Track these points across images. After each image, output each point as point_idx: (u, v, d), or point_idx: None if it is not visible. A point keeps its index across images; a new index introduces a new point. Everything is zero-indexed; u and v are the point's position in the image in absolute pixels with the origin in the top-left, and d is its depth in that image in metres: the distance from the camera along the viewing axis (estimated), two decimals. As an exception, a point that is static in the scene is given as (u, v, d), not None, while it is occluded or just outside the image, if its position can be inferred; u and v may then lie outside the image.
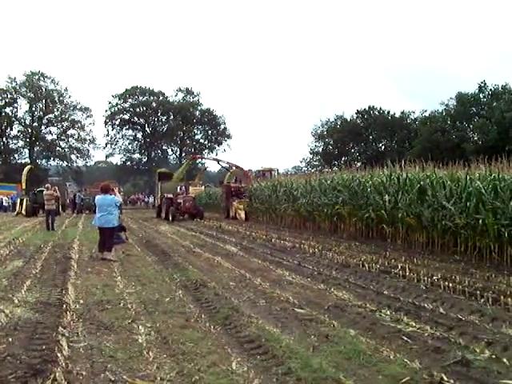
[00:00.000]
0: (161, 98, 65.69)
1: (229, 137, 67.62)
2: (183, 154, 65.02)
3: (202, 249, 10.99)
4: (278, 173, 35.26)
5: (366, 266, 8.22)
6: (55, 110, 59.23)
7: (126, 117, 65.28)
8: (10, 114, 56.71)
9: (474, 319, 4.85)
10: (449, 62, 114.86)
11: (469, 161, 11.53)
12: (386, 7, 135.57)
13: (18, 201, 29.12)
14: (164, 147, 68.88)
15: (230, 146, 67.38)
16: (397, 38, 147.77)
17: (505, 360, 3.67)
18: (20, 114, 57.82)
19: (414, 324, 4.67)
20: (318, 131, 60.72)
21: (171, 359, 3.75)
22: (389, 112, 56.39)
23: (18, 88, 56.10)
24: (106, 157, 67.65)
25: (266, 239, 13.19)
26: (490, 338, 4.23)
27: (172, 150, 69.38)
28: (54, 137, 60.69)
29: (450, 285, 6.41)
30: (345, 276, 7.44)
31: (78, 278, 7.25)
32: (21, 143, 58.85)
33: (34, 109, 58.22)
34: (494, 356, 3.76)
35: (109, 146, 64.43)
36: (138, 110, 64.89)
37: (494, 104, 40.02)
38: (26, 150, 58.33)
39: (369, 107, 57.13)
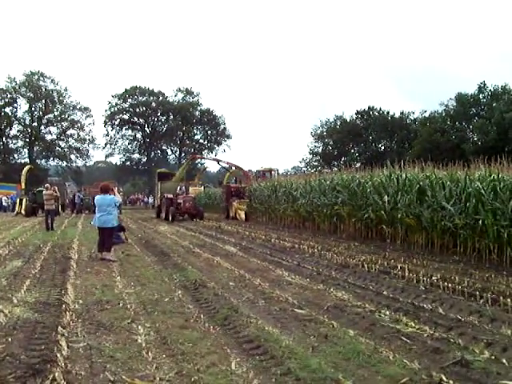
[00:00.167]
0: (160, 98, 65.74)
1: (228, 137, 67.80)
2: (183, 154, 65.07)
3: (202, 249, 10.98)
4: (278, 173, 35.27)
5: (366, 266, 8.22)
6: (55, 109, 59.28)
7: (126, 117, 65.36)
8: (10, 113, 56.79)
9: (473, 320, 4.85)
10: (449, 61, 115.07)
11: (468, 161, 11.54)
12: (386, 7, 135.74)
13: (18, 201, 29.12)
14: (163, 147, 69.01)
15: (229, 147, 67.64)
16: (397, 37, 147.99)
17: (504, 361, 3.67)
18: (20, 113, 58.05)
19: (413, 324, 4.67)
20: (318, 131, 60.78)
21: (170, 359, 3.75)
22: (388, 112, 56.50)
23: (17, 88, 56.16)
24: (106, 157, 67.83)
25: (265, 239, 13.19)
26: (489, 338, 4.23)
27: (171, 150, 69.57)
28: (54, 137, 60.85)
29: (450, 285, 6.41)
30: (344, 276, 7.44)
31: (77, 277, 7.25)
32: (20, 143, 59.03)
33: (33, 109, 58.32)
34: (493, 357, 3.76)
35: (108, 146, 64.62)
36: (137, 110, 64.94)
37: (494, 104, 40.08)
38: (26, 150, 58.41)
39: (368, 108, 57.21)
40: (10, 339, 4.16)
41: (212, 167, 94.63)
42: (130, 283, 6.89)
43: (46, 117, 59.28)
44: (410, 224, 11.29)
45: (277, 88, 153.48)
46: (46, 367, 3.49)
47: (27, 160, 54.70)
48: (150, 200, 48.35)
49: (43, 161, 60.91)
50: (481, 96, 43.20)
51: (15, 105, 57.18)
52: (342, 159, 56.56)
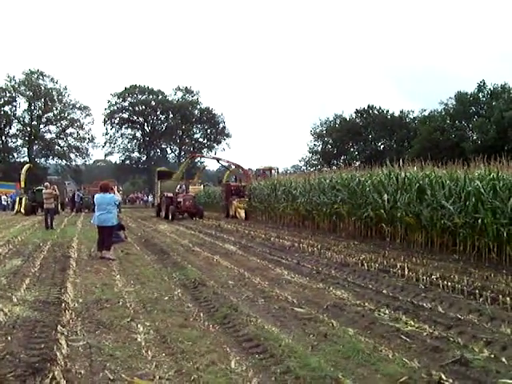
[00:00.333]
0: (160, 96, 65.60)
1: (228, 136, 67.69)
2: (182, 153, 65.03)
3: (201, 248, 10.98)
4: (278, 172, 35.27)
5: (365, 265, 8.22)
6: (54, 108, 59.15)
7: (125, 115, 65.26)
8: (9, 112, 56.64)
9: (472, 318, 4.86)
10: (449, 61, 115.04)
11: (468, 160, 11.54)
12: (386, 7, 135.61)
13: (17, 199, 29.08)
14: (163, 146, 68.91)
15: (229, 145, 67.50)
16: (397, 37, 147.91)
17: (503, 359, 3.67)
18: (19, 112, 57.90)
19: (412, 323, 4.68)
20: (317, 130, 60.72)
21: (170, 358, 3.75)
22: (388, 111, 56.46)
23: (17, 86, 56.04)
24: (105, 155, 67.76)
25: (264, 238, 13.19)
26: (488, 337, 4.24)
27: (171, 149, 69.49)
28: (53, 135, 60.75)
29: (449, 284, 6.42)
30: (344, 275, 7.44)
31: (76, 276, 7.25)
32: (20, 142, 58.90)
33: (32, 107, 58.19)
34: (492, 355, 3.76)
35: (108, 144, 64.47)
36: (137, 108, 64.83)
37: (494, 103, 40.07)
38: (25, 149, 58.26)
39: (368, 106, 57.15)
40: (9, 338, 4.16)
41: (211, 166, 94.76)
42: (129, 282, 6.89)
43: (45, 115, 59.18)
44: (410, 223, 11.29)
45: (277, 87, 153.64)
46: (46, 366, 3.49)
47: (27, 159, 54.64)
48: (150, 199, 48.32)
49: (43, 159, 60.83)
50: (480, 95, 43.20)
51: (14, 103, 57.13)
52: (342, 158, 56.59)
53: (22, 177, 31.20)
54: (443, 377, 3.33)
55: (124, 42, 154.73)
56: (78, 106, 60.28)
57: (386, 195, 12.19)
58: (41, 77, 57.67)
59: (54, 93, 58.42)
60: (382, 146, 57.49)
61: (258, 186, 22.27)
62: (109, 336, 4.29)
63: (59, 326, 4.44)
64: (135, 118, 65.85)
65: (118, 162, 68.42)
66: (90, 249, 10.39)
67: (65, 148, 60.61)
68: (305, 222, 17.47)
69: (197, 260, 9.14)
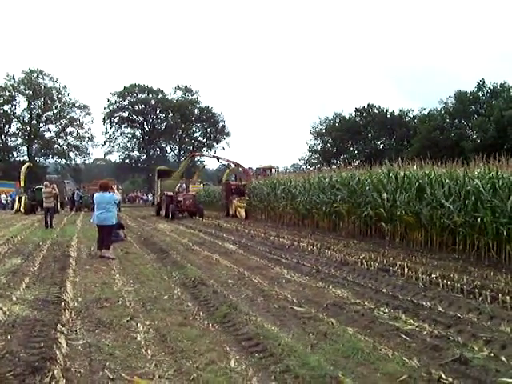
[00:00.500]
0: (159, 95, 65.60)
1: (228, 135, 67.72)
2: (182, 152, 65.01)
3: (201, 247, 10.98)
4: (278, 171, 35.28)
5: (365, 263, 8.22)
6: (54, 107, 59.14)
7: (125, 114, 65.24)
8: (9, 111, 56.59)
9: (472, 317, 4.86)
10: (449, 62, 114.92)
11: (467, 159, 11.56)
12: (386, 7, 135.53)
13: (17, 198, 29.08)
14: (163, 145, 68.94)
15: (228, 144, 67.55)
16: (397, 37, 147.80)
17: (503, 358, 3.67)
18: (18, 111, 57.88)
19: (412, 322, 4.68)
20: (317, 129, 60.75)
21: (169, 357, 3.75)
22: (387, 110, 56.49)
23: (16, 85, 56.03)
24: (105, 154, 67.74)
25: (264, 237, 13.19)
26: (488, 336, 4.24)
27: (171, 148, 69.49)
28: (53, 134, 60.73)
29: (449, 283, 6.42)
30: (343, 274, 7.44)
31: (76, 275, 7.24)
32: (19, 141, 58.91)
33: (32, 106, 58.19)
34: (492, 354, 3.76)
35: (107, 143, 64.48)
36: (136, 107, 64.85)
37: (493, 102, 40.08)
38: (25, 148, 58.31)
39: (368, 105, 57.16)
40: (9, 337, 4.16)
41: (211, 165, 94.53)
42: (129, 281, 6.89)
43: (44, 114, 59.18)
44: (409, 222, 11.29)
45: (276, 86, 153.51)
46: (45, 365, 3.48)
47: (26, 158, 54.69)
48: (149, 198, 48.30)
49: (42, 158, 60.80)
50: (480, 94, 43.24)
51: (14, 102, 57.08)
52: (341, 157, 56.62)
53: (22, 176, 31.20)
54: (443, 375, 3.33)
55: (124, 41, 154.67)
56: (77, 104, 60.36)
57: (385, 194, 12.19)
58: (40, 76, 57.69)
59: (53, 92, 58.45)
60: (381, 145, 57.50)
61: (257, 185, 22.27)
62: (108, 335, 4.29)
63: (59, 325, 4.44)
64: (135, 116, 65.84)
65: (117, 161, 68.41)
66: (90, 248, 10.39)
67: (64, 147, 60.59)
68: (304, 221, 17.47)
69: (196, 259, 9.13)
